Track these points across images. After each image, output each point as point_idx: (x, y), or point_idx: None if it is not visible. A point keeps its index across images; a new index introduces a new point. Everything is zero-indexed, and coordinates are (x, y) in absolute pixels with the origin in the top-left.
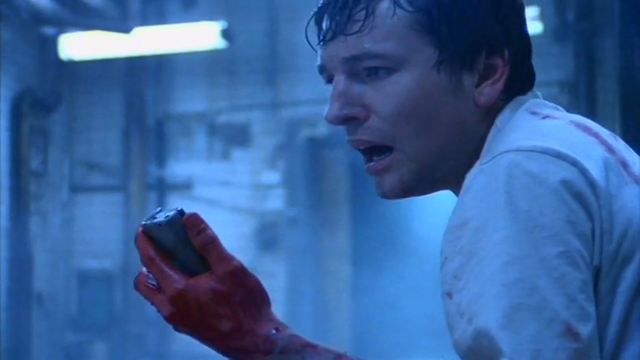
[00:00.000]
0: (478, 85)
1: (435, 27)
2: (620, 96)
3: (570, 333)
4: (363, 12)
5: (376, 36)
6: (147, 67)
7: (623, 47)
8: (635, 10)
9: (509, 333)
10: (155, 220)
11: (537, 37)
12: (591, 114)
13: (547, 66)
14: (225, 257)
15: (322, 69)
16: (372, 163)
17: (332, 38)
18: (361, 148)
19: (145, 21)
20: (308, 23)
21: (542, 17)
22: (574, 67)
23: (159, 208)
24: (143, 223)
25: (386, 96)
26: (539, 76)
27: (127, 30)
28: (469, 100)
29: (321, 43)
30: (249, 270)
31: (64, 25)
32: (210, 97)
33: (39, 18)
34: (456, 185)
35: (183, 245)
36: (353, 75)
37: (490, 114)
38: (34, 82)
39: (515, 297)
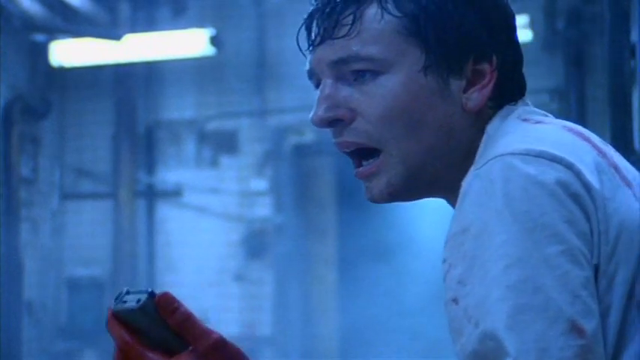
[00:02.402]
0: (466, 90)
1: (422, 32)
2: (609, 103)
3: (576, 330)
4: (351, 17)
5: (363, 39)
6: (137, 74)
7: (613, 55)
8: (624, 18)
9: (514, 333)
10: (126, 305)
11: (527, 44)
12: (581, 121)
13: (537, 74)
14: (203, 332)
15: (311, 74)
16: (360, 168)
17: (320, 42)
18: (347, 150)
19: (135, 28)
20: (299, 30)
21: (532, 25)
22: (564, 74)
23: (126, 289)
24: (113, 307)
25: (372, 98)
26: (530, 84)
27: (117, 37)
28: (457, 104)
29: (311, 48)
30: (229, 340)
31: (55, 32)
32: (199, 104)
33: (29, 25)
34: (447, 193)
35: (157, 326)
36: (340, 79)
37: (479, 121)
38: (25, 88)
39: (519, 297)
